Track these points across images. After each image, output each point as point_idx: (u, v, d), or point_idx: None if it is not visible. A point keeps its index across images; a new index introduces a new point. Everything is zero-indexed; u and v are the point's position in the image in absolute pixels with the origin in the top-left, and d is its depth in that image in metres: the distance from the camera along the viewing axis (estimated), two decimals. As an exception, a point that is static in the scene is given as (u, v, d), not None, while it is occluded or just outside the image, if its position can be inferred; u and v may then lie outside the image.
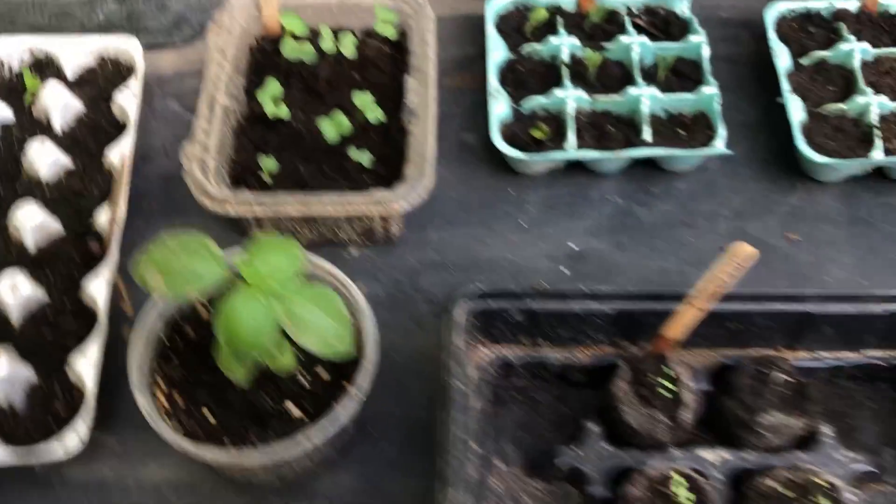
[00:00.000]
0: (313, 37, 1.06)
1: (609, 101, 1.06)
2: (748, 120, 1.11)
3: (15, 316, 0.88)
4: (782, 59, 1.08)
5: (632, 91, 1.05)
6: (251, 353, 0.67)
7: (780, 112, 1.06)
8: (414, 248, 1.01)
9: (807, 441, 0.84)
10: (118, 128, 1.03)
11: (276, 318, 0.66)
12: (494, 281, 0.95)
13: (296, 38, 1.02)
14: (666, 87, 1.08)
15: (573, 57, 1.10)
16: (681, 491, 0.76)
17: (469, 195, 1.06)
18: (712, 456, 0.82)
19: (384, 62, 1.07)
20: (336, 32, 1.04)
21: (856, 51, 1.07)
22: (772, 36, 1.10)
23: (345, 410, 0.74)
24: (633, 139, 1.04)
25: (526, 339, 0.89)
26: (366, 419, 0.88)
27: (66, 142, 1.01)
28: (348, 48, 1.00)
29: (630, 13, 1.15)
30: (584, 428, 0.84)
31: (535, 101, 1.06)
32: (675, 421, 0.82)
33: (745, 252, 0.70)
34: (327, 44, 1.00)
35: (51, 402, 0.84)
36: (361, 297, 0.81)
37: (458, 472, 0.76)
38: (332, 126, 0.95)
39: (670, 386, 0.83)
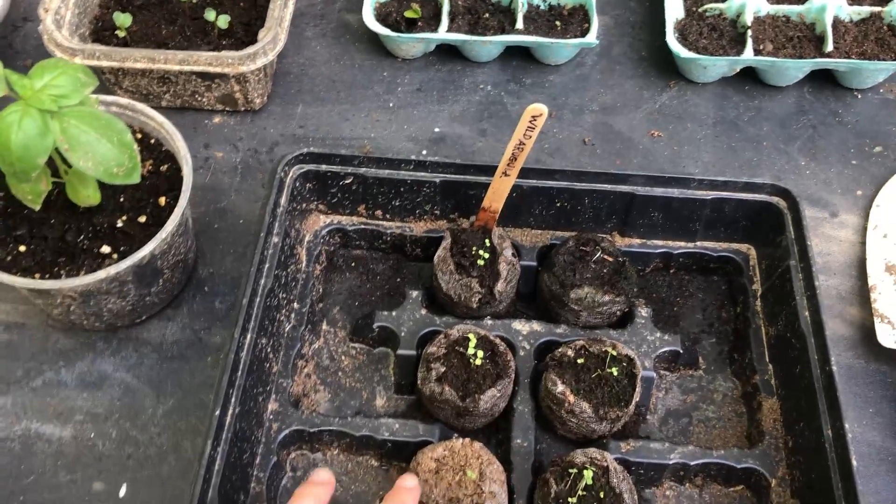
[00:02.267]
0: None
1: (488, -12, 1.05)
2: (633, 19, 1.11)
3: None
4: (670, -44, 1.07)
5: (511, -22, 1.04)
6: (26, 172, 0.68)
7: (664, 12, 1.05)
8: (278, 120, 1.02)
9: (624, 322, 0.85)
10: (-6, -16, 1.03)
11: (51, 136, 0.66)
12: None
13: None
14: (551, -21, 1.07)
15: (462, -58, 1.09)
16: (472, 349, 0.77)
17: (342, 74, 1.06)
18: (523, 327, 0.83)
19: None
20: None
21: (742, -49, 1.05)
22: (663, -67, 1.08)
23: (147, 248, 0.76)
24: (508, 28, 1.03)
25: (362, 208, 0.90)
26: (203, 276, 0.90)
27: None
28: None
29: None
30: (406, 294, 0.85)
31: (414, -17, 1.06)
32: (490, 291, 0.83)
33: (537, 110, 0.70)
34: None
35: None
36: (182, 142, 0.82)
37: (259, 319, 0.77)
38: (190, -14, 0.95)
39: (487, 256, 0.84)
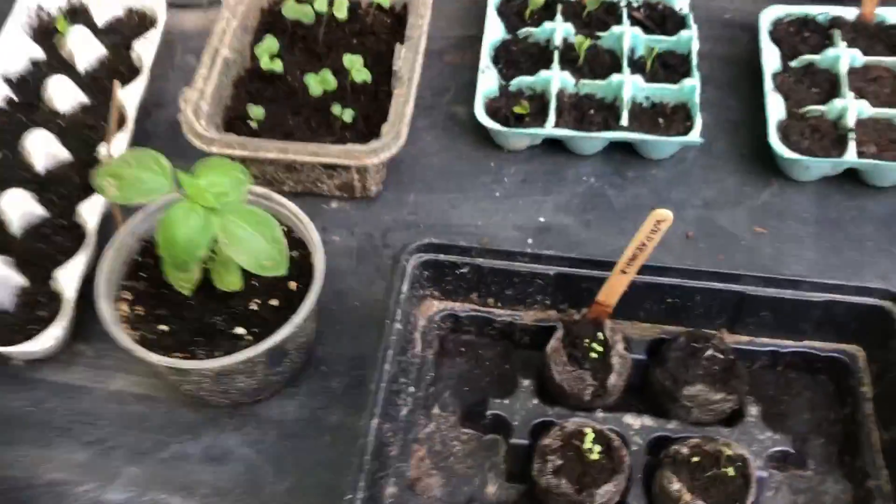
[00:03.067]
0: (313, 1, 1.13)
1: (593, 85, 1.10)
2: (733, 117, 1.14)
3: (15, 228, 0.96)
4: (770, 59, 1.10)
5: (615, 77, 1.09)
6: (186, 263, 0.73)
7: (764, 111, 1.08)
8: (391, 207, 1.07)
9: (733, 419, 0.86)
10: (136, 73, 1.12)
11: (212, 231, 0.72)
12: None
13: (298, 0, 1.09)
14: (653, 78, 1.11)
15: (565, 42, 1.15)
16: (589, 443, 0.79)
17: (451, 164, 1.11)
18: (635, 421, 0.85)
19: (384, 31, 1.14)
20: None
21: (843, 56, 1.08)
22: (763, 37, 1.13)
23: (283, 332, 0.80)
24: (612, 123, 1.07)
25: (475, 295, 0.93)
26: (320, 356, 0.94)
27: (87, 80, 1.10)
28: (341, 11, 1.06)
29: (629, 6, 1.19)
30: (517, 383, 0.88)
31: (522, 81, 1.11)
32: (603, 384, 0.85)
33: (661, 215, 0.73)
34: (321, 5, 1.06)
35: (35, 307, 0.92)
36: (315, 233, 0.87)
37: (383, 405, 0.81)
38: (318, 82, 1.02)
39: (600, 349, 0.86)
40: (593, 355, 0.86)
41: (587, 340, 0.87)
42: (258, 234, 0.73)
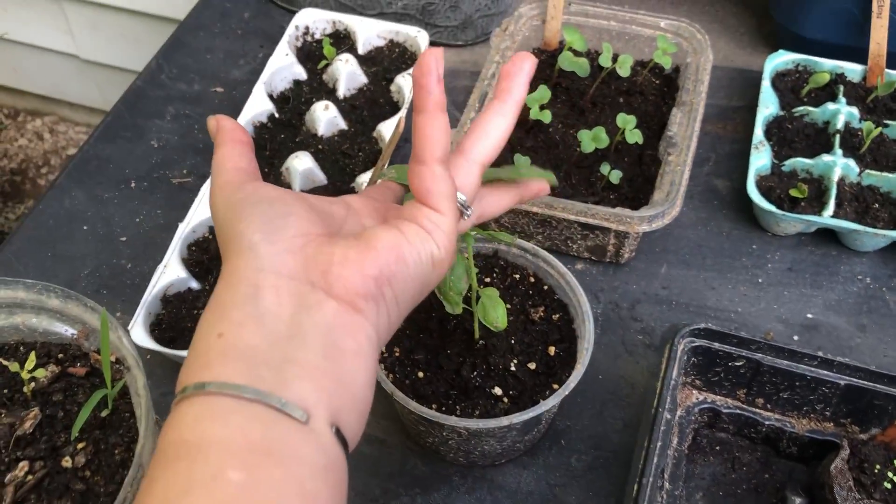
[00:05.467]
0: (587, 56, 1.09)
1: (880, 177, 1.00)
2: None
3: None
4: None
5: (908, 171, 0.99)
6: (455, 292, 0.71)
7: None
8: (640, 276, 1.00)
9: None
10: (392, 106, 1.11)
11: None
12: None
13: (574, 52, 1.05)
14: (948, 177, 1.01)
15: (848, 126, 1.05)
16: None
17: (708, 239, 1.03)
18: (929, 569, 0.74)
19: (651, 92, 1.08)
20: (614, 56, 1.06)
21: None
22: None
23: (549, 402, 0.75)
24: (900, 221, 0.97)
25: (742, 392, 0.85)
26: (560, 428, 0.88)
27: (346, 107, 1.10)
28: (625, 68, 1.01)
29: (922, 94, 1.09)
30: (787, 500, 0.79)
31: (799, 162, 1.03)
32: (894, 519, 0.75)
33: None
34: (605, 60, 1.02)
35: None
36: (586, 302, 0.81)
37: (645, 500, 0.74)
38: (591, 139, 0.97)
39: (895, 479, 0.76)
40: (887, 485, 0.76)
41: (878, 466, 0.77)
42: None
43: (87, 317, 0.67)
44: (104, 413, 0.65)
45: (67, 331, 0.69)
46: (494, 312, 0.78)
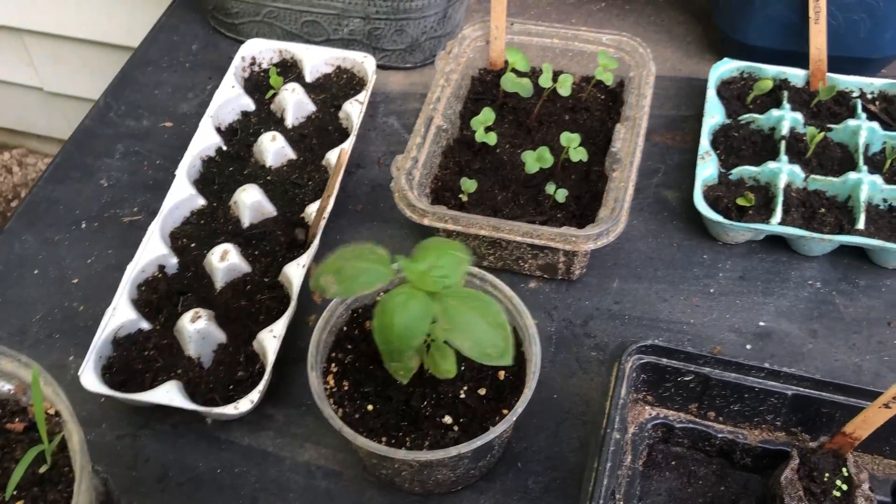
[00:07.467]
0: (532, 75, 1.10)
1: (825, 182, 1.01)
2: (983, 227, 1.02)
3: (219, 282, 0.96)
4: None
5: (852, 176, 0.99)
6: (402, 352, 0.69)
7: None
8: (593, 292, 1.00)
9: None
10: (341, 133, 1.11)
11: (432, 316, 0.68)
12: (669, 342, 0.92)
13: (517, 73, 1.06)
14: (892, 179, 1.02)
15: (793, 132, 1.06)
16: None
17: (659, 251, 1.04)
18: (881, 575, 0.74)
19: (597, 108, 1.09)
20: (556, 74, 1.07)
21: None
22: None
23: (497, 430, 0.75)
24: (846, 225, 0.98)
25: (694, 406, 0.85)
26: (516, 450, 0.88)
27: (295, 136, 1.10)
28: (565, 87, 1.02)
29: (863, 97, 1.10)
30: (738, 510, 0.79)
31: (746, 170, 1.03)
32: (845, 527, 0.75)
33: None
34: (545, 80, 1.02)
35: (234, 366, 0.90)
36: (532, 325, 0.82)
37: (599, 521, 0.74)
38: (535, 159, 0.98)
39: (844, 487, 0.76)
40: (836, 493, 0.76)
41: (827, 475, 0.77)
42: (481, 319, 0.68)
43: (22, 372, 0.67)
44: (42, 469, 0.64)
45: (3, 386, 0.68)
46: (444, 363, 0.78)
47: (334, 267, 0.72)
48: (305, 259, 0.96)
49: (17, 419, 0.68)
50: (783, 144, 1.04)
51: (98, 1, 1.74)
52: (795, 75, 1.12)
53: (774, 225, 0.98)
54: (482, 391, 0.82)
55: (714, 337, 0.95)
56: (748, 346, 0.95)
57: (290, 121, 1.12)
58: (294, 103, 1.12)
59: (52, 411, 0.67)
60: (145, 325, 0.93)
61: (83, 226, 1.08)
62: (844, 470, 0.77)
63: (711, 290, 1.00)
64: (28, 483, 0.64)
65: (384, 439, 0.78)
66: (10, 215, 2.31)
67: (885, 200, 1.01)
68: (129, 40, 1.78)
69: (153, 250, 0.97)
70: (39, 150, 2.44)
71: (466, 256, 0.74)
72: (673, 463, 0.86)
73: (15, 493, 0.63)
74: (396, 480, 0.83)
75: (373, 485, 0.87)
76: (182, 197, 1.02)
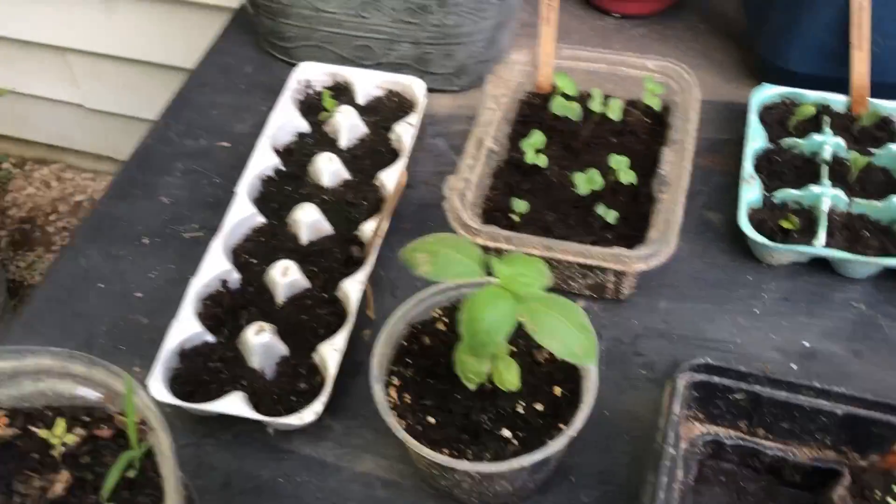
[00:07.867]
0: (580, 99, 1.13)
1: (868, 206, 1.04)
2: None
3: (281, 297, 0.99)
4: None
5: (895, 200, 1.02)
6: (486, 346, 0.73)
7: None
8: (641, 312, 1.03)
9: None
10: (393, 154, 1.15)
11: (515, 317, 0.71)
12: (717, 360, 0.94)
13: (565, 96, 1.09)
14: (934, 203, 1.04)
15: (835, 157, 1.09)
16: None
17: (704, 272, 1.06)
18: (932, 592, 0.76)
19: (643, 131, 1.12)
20: (605, 98, 1.10)
21: None
22: None
23: (558, 443, 0.78)
24: (890, 248, 1.00)
25: (744, 423, 0.88)
26: (568, 465, 0.91)
27: (348, 157, 1.14)
28: (615, 112, 1.05)
29: (905, 122, 1.12)
30: (791, 527, 0.81)
31: (789, 193, 1.06)
32: (896, 544, 0.77)
33: None
34: (596, 105, 1.06)
35: (296, 378, 0.94)
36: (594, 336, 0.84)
37: (655, 533, 0.76)
38: (586, 181, 1.01)
39: (896, 505, 0.78)
40: (887, 510, 0.78)
41: (878, 493, 0.80)
42: (566, 321, 0.72)
43: (112, 381, 0.70)
44: (131, 474, 0.68)
45: (92, 395, 0.72)
46: (509, 375, 0.81)
47: (430, 248, 0.76)
48: (362, 275, 0.99)
49: (104, 426, 0.71)
50: (825, 169, 1.07)
51: (145, 22, 1.80)
52: (837, 101, 1.15)
53: (819, 247, 1.00)
54: (539, 406, 0.85)
55: (759, 356, 0.98)
56: (793, 366, 0.97)
57: (344, 142, 1.16)
58: (348, 126, 1.16)
59: (137, 419, 0.70)
60: (210, 338, 0.96)
61: (145, 241, 1.12)
62: (895, 488, 0.79)
63: (756, 311, 1.02)
64: (118, 487, 0.67)
65: (446, 451, 0.81)
66: (62, 224, 2.36)
67: (927, 224, 1.03)
68: (170, 60, 1.84)
69: (216, 266, 1.00)
70: (77, 165, 2.50)
71: (547, 272, 0.78)
72: (723, 479, 0.89)
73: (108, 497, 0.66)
74: (456, 492, 0.86)
75: (431, 496, 0.89)
76: (243, 215, 1.05)
